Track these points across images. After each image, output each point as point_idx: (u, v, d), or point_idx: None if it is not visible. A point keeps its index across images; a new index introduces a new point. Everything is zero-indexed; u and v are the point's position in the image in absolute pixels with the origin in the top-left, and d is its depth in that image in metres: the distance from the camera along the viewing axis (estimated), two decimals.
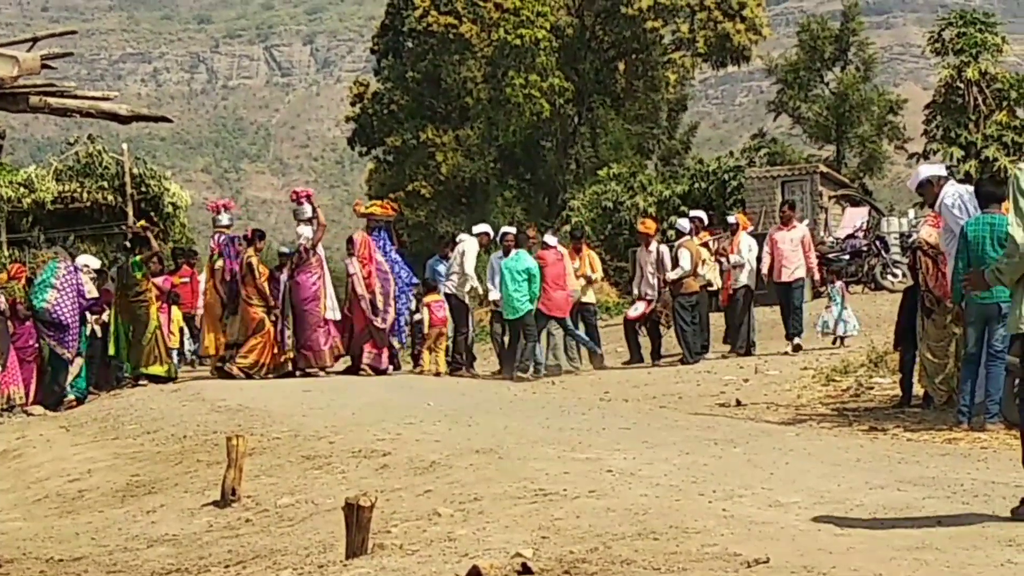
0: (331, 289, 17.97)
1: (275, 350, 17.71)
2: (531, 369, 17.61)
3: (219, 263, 18.12)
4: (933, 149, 34.48)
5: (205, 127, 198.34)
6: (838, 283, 19.51)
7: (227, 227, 18.39)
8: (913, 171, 12.73)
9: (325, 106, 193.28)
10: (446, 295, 18.40)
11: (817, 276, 19.55)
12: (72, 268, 17.76)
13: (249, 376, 17.27)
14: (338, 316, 17.87)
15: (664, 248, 18.58)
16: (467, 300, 18.63)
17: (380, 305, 17.78)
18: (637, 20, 48.06)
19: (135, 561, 7.63)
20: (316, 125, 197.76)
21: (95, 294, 18.17)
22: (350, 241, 18.43)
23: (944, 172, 11.78)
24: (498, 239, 18.94)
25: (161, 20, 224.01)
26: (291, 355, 17.72)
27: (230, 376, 17.31)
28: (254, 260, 17.82)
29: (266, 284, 17.81)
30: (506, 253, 17.91)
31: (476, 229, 19.38)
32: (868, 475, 7.91)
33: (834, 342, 18.66)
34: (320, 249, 17.98)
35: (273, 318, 17.70)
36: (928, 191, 11.57)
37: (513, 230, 19.27)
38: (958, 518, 6.58)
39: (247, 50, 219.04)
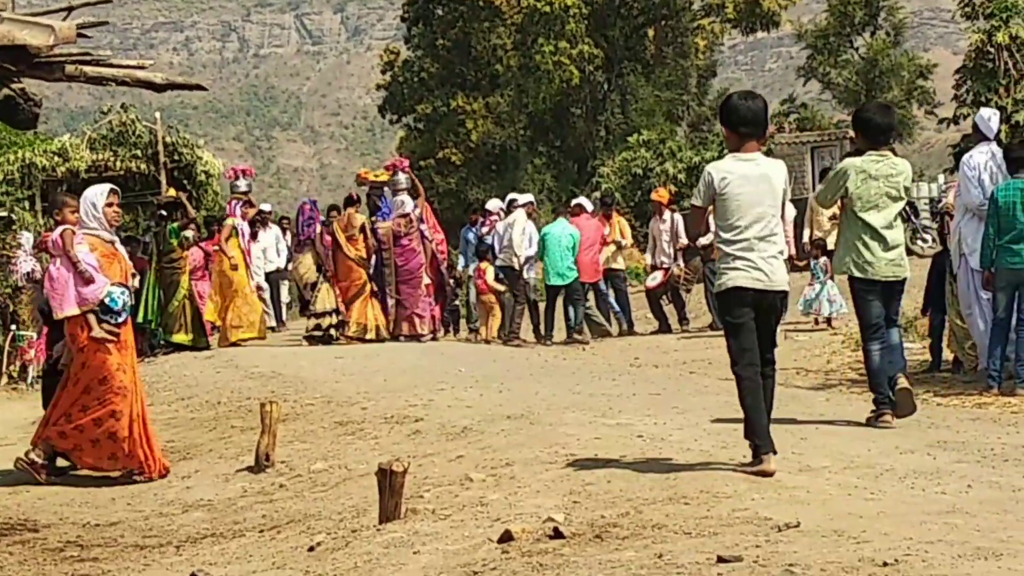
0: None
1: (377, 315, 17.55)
2: (584, 330, 18.02)
3: (230, 223, 18.00)
4: (963, 114, 34.13)
5: (237, 96, 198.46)
6: (822, 258, 16.83)
7: (245, 193, 18.27)
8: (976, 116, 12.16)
9: (356, 74, 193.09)
10: (501, 267, 18.35)
11: (793, 250, 18.44)
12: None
13: (362, 340, 17.06)
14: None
15: (678, 217, 18.42)
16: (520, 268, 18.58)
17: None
18: None
19: (170, 526, 7.72)
20: (347, 93, 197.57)
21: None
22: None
23: (992, 130, 11.48)
24: (505, 206, 19.13)
25: None
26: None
27: (326, 342, 17.18)
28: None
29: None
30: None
31: (521, 199, 19.33)
32: (898, 440, 7.92)
33: (817, 323, 16.88)
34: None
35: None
36: (974, 133, 11.65)
37: (525, 197, 19.51)
38: (988, 482, 6.59)
39: (278, 18, 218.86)
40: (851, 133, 33.64)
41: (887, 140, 8.83)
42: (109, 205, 9.47)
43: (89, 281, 9.17)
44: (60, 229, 9.32)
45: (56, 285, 9.23)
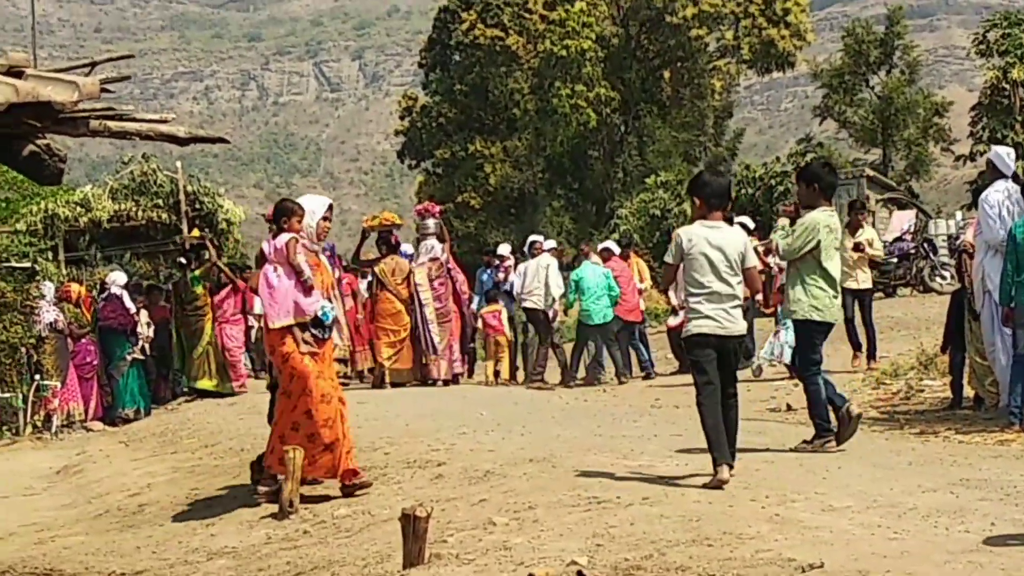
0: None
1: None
2: (622, 373, 18.17)
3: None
4: (980, 151, 34.26)
5: (256, 143, 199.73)
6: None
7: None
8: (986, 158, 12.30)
9: (374, 120, 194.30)
10: (528, 309, 18.45)
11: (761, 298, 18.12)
12: None
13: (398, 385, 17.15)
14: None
15: None
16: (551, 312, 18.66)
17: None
18: (682, 28, 48.08)
19: (195, 574, 7.73)
20: (366, 139, 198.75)
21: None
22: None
23: (1010, 167, 11.54)
24: (526, 248, 19.20)
25: (212, 39, 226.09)
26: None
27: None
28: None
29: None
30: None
31: (547, 244, 19.50)
32: (920, 478, 7.91)
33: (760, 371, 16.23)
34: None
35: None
36: (988, 171, 11.67)
37: (541, 239, 19.59)
38: (1012, 520, 6.58)
39: (297, 66, 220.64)
40: (868, 171, 33.35)
41: (833, 195, 9.87)
42: (325, 219, 9.37)
43: (309, 291, 9.06)
44: (286, 237, 9.10)
45: (276, 294, 9.04)
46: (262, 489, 9.26)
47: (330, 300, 9.37)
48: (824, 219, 9.40)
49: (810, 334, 9.53)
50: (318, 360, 9.15)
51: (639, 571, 5.65)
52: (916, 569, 5.37)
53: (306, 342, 9.07)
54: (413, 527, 6.33)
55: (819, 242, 9.32)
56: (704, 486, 7.73)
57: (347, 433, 9.24)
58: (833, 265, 9.45)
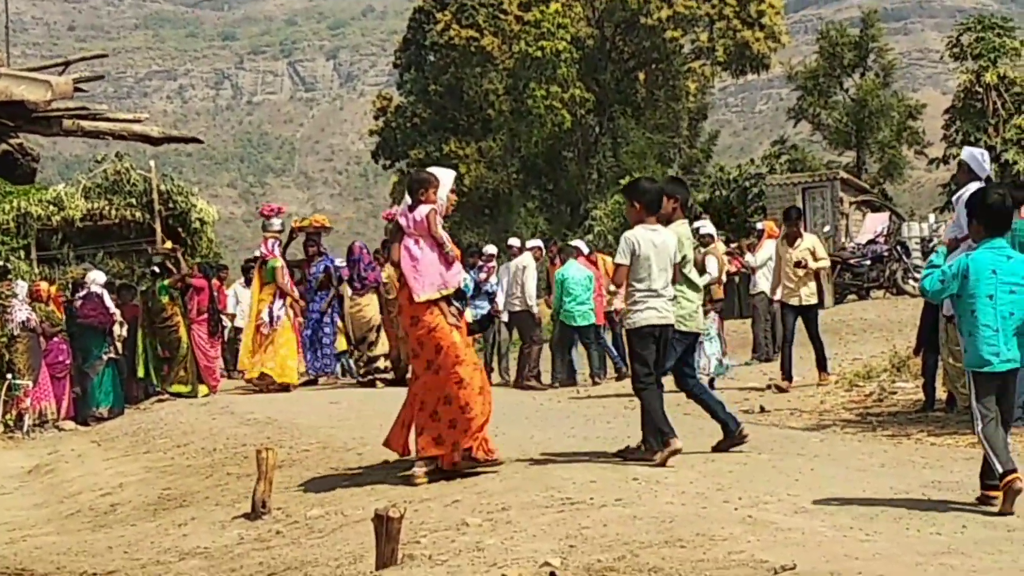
0: None
1: None
2: (596, 374, 18.41)
3: (277, 265, 17.80)
4: (953, 154, 34.45)
5: (231, 142, 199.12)
6: (712, 314, 15.68)
7: (279, 232, 18.07)
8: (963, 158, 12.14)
9: (349, 120, 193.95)
10: (513, 312, 18.60)
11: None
12: None
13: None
14: None
15: None
16: (535, 312, 18.74)
17: None
18: (657, 30, 48.17)
19: (167, 574, 7.70)
20: (340, 139, 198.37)
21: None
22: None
23: (985, 170, 11.52)
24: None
25: (186, 38, 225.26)
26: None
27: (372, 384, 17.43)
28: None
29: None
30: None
31: (530, 244, 19.66)
32: (893, 480, 7.95)
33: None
34: None
35: None
36: (961, 173, 11.67)
37: (517, 242, 19.73)
38: (983, 522, 6.61)
39: (271, 66, 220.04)
40: (842, 174, 33.44)
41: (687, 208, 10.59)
42: (453, 191, 9.26)
43: (451, 263, 8.97)
44: (425, 209, 8.94)
45: (420, 266, 8.88)
46: (419, 470, 8.88)
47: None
48: (683, 231, 9.76)
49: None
50: (461, 333, 9.04)
51: (612, 572, 5.67)
52: (888, 571, 5.40)
53: (451, 314, 8.96)
54: (386, 528, 6.33)
55: (684, 256, 9.58)
56: (661, 463, 8.63)
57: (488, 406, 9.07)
58: (695, 275, 10.14)
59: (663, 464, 8.63)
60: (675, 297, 9.44)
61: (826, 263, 15.80)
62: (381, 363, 17.65)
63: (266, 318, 17.54)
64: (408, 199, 9.19)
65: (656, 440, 8.97)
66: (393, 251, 9.29)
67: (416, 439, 9.06)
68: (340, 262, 18.72)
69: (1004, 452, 6.94)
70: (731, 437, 9.45)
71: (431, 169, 9.56)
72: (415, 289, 8.90)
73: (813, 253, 15.36)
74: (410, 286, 8.95)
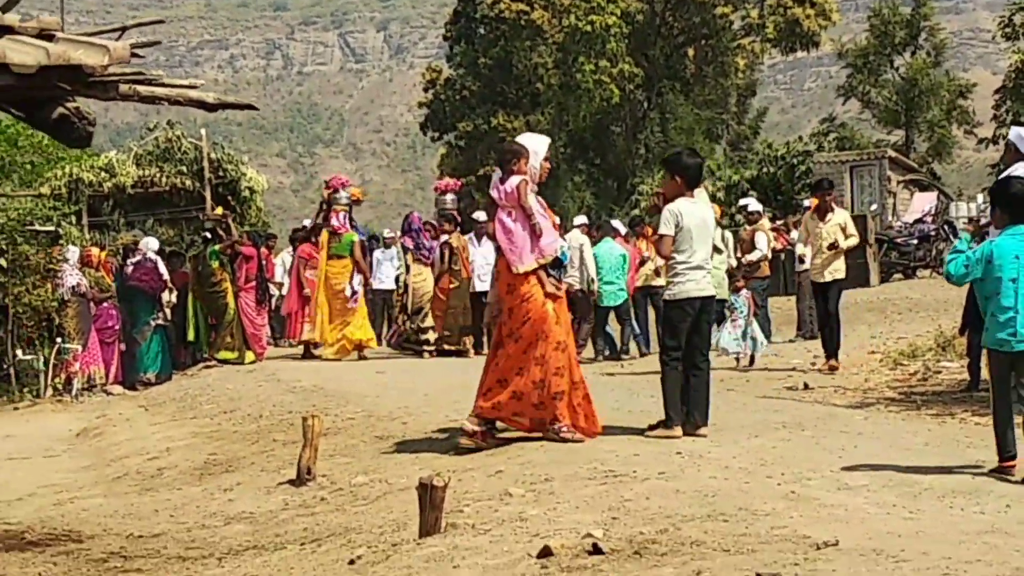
0: None
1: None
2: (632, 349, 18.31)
3: (354, 239, 17.92)
4: (1002, 134, 34.07)
5: (280, 112, 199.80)
6: (743, 291, 15.68)
7: (346, 206, 18.11)
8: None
9: (398, 92, 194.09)
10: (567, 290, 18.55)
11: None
12: None
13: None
14: None
15: (728, 234, 18.33)
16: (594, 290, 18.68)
17: None
18: (707, 6, 47.89)
19: (213, 538, 7.79)
20: (389, 111, 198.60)
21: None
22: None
23: None
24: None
25: (238, 7, 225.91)
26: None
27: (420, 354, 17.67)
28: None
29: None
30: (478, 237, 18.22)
31: (577, 220, 19.51)
32: (936, 459, 7.92)
33: (738, 361, 15.37)
34: None
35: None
36: (1008, 153, 11.50)
37: (580, 218, 19.52)
38: None
39: (322, 37, 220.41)
40: (890, 153, 33.10)
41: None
42: (546, 159, 9.25)
43: (543, 233, 8.95)
44: (516, 180, 8.96)
45: (515, 238, 8.92)
46: (469, 425, 8.96)
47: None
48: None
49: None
50: (558, 304, 9.06)
51: (654, 545, 5.68)
52: (930, 548, 5.38)
53: (551, 283, 8.96)
54: (430, 496, 6.37)
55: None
56: (648, 434, 8.94)
57: (578, 385, 9.03)
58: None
59: (665, 436, 8.79)
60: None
61: (855, 240, 15.00)
62: (431, 335, 17.71)
63: (349, 293, 17.71)
64: (499, 171, 9.18)
65: (671, 417, 9.04)
66: (488, 225, 9.34)
67: (477, 396, 9.09)
68: (388, 232, 18.75)
69: (1009, 435, 7.45)
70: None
71: (523, 138, 9.53)
72: (512, 261, 8.94)
73: (844, 229, 14.72)
74: (508, 258, 8.99)
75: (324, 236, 17.94)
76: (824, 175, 32.15)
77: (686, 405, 9.03)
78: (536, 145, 9.24)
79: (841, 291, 14.88)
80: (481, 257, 17.91)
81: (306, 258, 18.77)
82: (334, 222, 17.86)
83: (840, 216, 14.98)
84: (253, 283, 18.42)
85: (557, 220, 9.46)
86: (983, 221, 13.75)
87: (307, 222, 22.26)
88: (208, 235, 18.86)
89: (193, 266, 18.85)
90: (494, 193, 9.11)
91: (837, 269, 14.59)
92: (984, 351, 7.77)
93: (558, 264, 9.10)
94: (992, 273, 7.48)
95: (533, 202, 8.97)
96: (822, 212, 14.86)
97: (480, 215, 18.90)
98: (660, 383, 9.16)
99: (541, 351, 8.87)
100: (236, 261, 18.27)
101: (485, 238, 17.81)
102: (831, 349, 14.48)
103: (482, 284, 17.56)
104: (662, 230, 9.10)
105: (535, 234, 8.92)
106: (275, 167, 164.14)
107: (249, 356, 17.97)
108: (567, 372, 8.92)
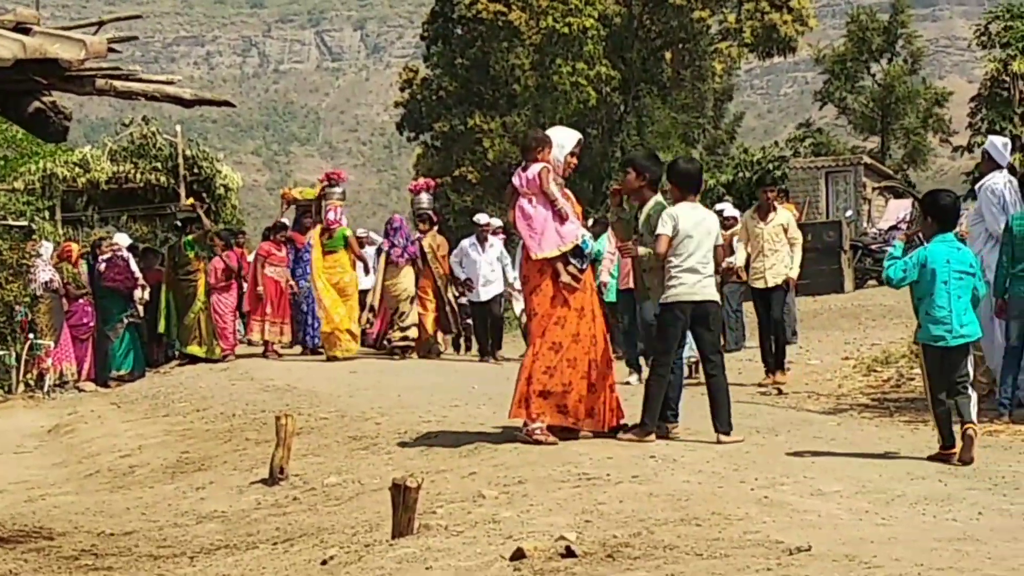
0: None
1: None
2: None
3: (348, 234, 17.77)
4: (978, 142, 34.25)
5: (256, 110, 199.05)
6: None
7: (342, 200, 17.92)
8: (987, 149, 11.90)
9: (374, 91, 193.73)
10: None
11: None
12: None
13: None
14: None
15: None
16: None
17: None
18: (684, 10, 47.91)
19: (184, 536, 7.77)
20: (365, 110, 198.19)
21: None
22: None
23: (1006, 158, 11.48)
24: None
25: (214, 4, 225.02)
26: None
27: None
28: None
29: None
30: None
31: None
32: (909, 465, 7.96)
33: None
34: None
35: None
36: (984, 161, 11.64)
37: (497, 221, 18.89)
38: (999, 510, 6.62)
39: (298, 35, 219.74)
40: (866, 159, 33.24)
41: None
42: (573, 155, 9.26)
43: (564, 220, 8.92)
44: (537, 167, 8.98)
45: (535, 224, 8.90)
46: (532, 426, 8.82)
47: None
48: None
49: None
50: (582, 288, 9.00)
51: (627, 548, 5.68)
52: (903, 555, 5.40)
53: (570, 273, 8.92)
54: (403, 497, 6.36)
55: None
56: (623, 437, 8.85)
57: (600, 379, 8.97)
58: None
59: (640, 440, 8.77)
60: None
61: (798, 246, 13.72)
62: (412, 332, 17.64)
63: (364, 274, 18.00)
64: (523, 160, 9.20)
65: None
66: (508, 213, 9.31)
67: (522, 393, 8.95)
68: (362, 232, 18.63)
69: (946, 427, 8.21)
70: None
71: (552, 130, 9.57)
72: (531, 247, 8.94)
73: (786, 230, 13.65)
74: (527, 245, 9.00)
75: (316, 233, 17.74)
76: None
77: (671, 410, 9.17)
78: (563, 138, 9.31)
79: (787, 295, 13.89)
80: (486, 264, 17.68)
81: (264, 256, 18.57)
82: (331, 216, 17.63)
83: (783, 216, 13.88)
84: (232, 283, 18.34)
85: (580, 210, 9.43)
86: (910, 229, 13.50)
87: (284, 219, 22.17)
88: (179, 224, 18.81)
89: (169, 256, 18.74)
90: (515, 180, 9.12)
91: (778, 274, 13.56)
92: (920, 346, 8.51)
93: (579, 253, 9.00)
94: (926, 276, 8.27)
95: (555, 189, 8.96)
96: (763, 212, 13.81)
97: (481, 217, 18.62)
98: (646, 390, 9.10)
99: (537, 347, 8.89)
100: (212, 260, 18.17)
101: (488, 243, 17.76)
102: (773, 362, 13.59)
103: (486, 292, 17.56)
104: (660, 230, 9.01)
105: (560, 220, 8.91)
106: (250, 165, 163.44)
107: (217, 350, 17.82)
108: (559, 373, 8.85)
